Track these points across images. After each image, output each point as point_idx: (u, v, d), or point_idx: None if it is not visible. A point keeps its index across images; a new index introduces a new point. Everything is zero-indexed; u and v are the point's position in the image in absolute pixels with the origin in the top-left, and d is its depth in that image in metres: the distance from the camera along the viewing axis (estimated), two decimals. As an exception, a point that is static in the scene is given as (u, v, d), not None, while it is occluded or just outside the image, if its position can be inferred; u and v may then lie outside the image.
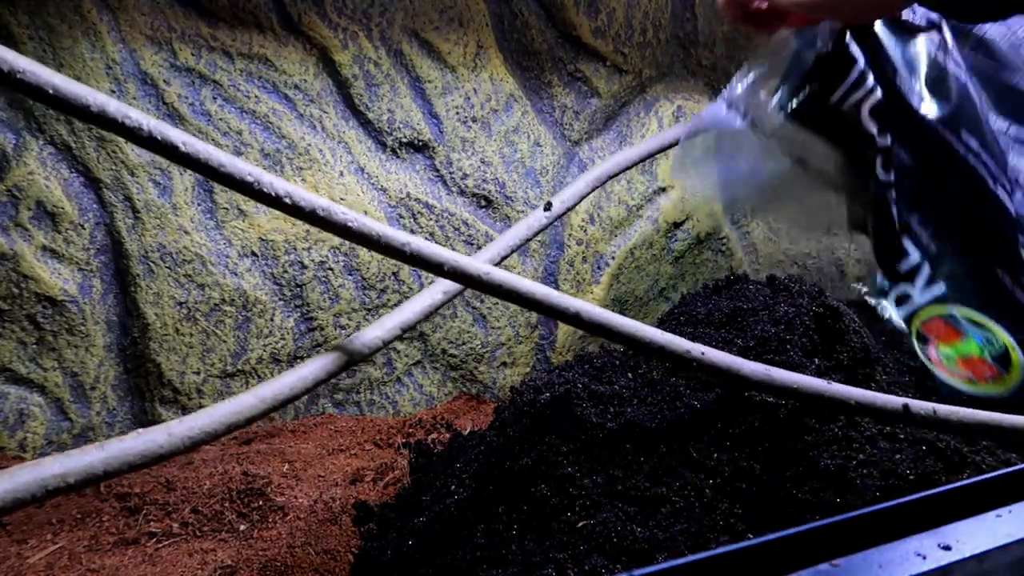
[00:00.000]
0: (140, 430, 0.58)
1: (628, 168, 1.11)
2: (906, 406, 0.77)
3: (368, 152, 1.27)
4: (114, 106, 0.55)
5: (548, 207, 0.98)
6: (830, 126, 1.05)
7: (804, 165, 1.09)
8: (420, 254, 0.68)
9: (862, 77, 1.03)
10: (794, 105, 1.05)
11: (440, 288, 0.83)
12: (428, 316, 0.81)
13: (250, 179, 0.60)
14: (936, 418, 0.78)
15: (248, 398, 0.65)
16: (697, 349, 0.75)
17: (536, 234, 0.98)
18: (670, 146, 1.16)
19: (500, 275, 0.71)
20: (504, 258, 0.93)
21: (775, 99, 1.07)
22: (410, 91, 1.30)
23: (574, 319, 0.72)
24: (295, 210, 0.63)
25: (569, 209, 1.04)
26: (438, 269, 0.69)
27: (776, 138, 1.08)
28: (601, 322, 0.73)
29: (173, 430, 0.59)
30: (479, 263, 0.71)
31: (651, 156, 1.14)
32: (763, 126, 1.08)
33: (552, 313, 0.72)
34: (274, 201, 0.62)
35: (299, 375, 0.68)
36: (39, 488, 0.51)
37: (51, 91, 0.53)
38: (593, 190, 1.07)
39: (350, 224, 0.65)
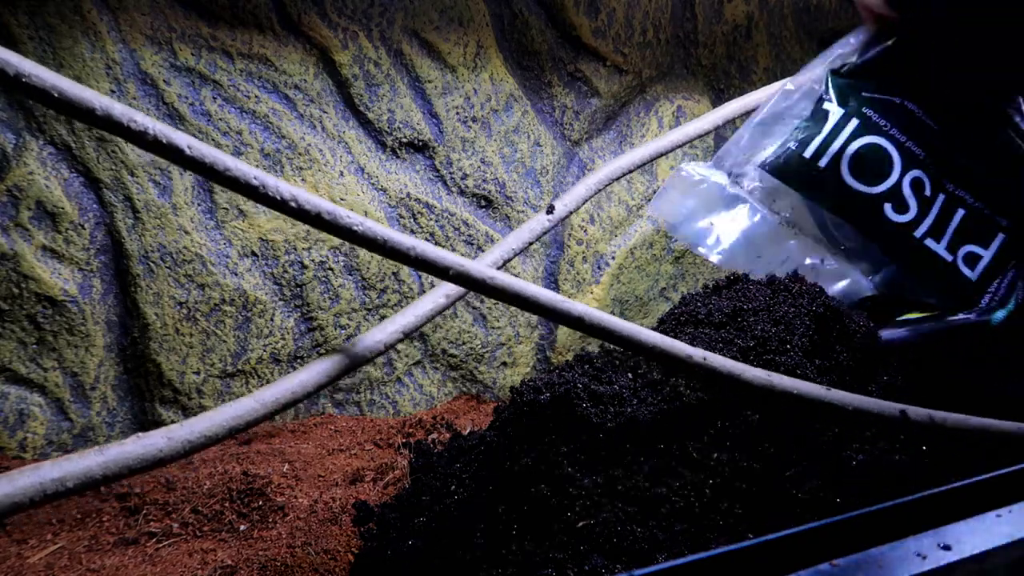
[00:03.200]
0: (140, 434, 0.58)
1: (630, 172, 1.11)
2: (904, 412, 0.77)
3: (368, 152, 1.27)
4: (119, 109, 0.55)
5: (551, 210, 0.98)
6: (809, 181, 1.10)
7: (788, 221, 1.12)
8: (426, 258, 0.68)
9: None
10: (772, 160, 1.10)
11: (443, 292, 0.83)
12: (431, 319, 0.81)
13: (255, 182, 0.60)
14: (933, 424, 0.78)
15: (249, 402, 0.64)
16: (699, 354, 0.76)
17: (539, 237, 0.98)
18: (671, 149, 1.16)
19: (505, 279, 0.71)
20: (507, 261, 0.93)
21: (762, 157, 1.12)
22: (410, 91, 1.30)
23: (578, 323, 0.73)
24: (300, 213, 0.63)
25: (571, 212, 1.04)
26: (443, 273, 0.69)
27: (757, 194, 1.12)
28: (603, 326, 0.74)
29: (173, 434, 0.59)
30: (484, 267, 0.71)
31: (652, 160, 1.14)
32: (743, 183, 1.12)
33: (556, 317, 0.73)
34: (279, 204, 0.62)
35: (300, 379, 0.68)
36: (37, 492, 0.51)
37: (56, 95, 0.53)
38: (595, 194, 1.07)
39: (355, 228, 0.65)
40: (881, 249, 1.09)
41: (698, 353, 0.75)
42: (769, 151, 1.12)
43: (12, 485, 0.50)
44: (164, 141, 0.56)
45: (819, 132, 1.09)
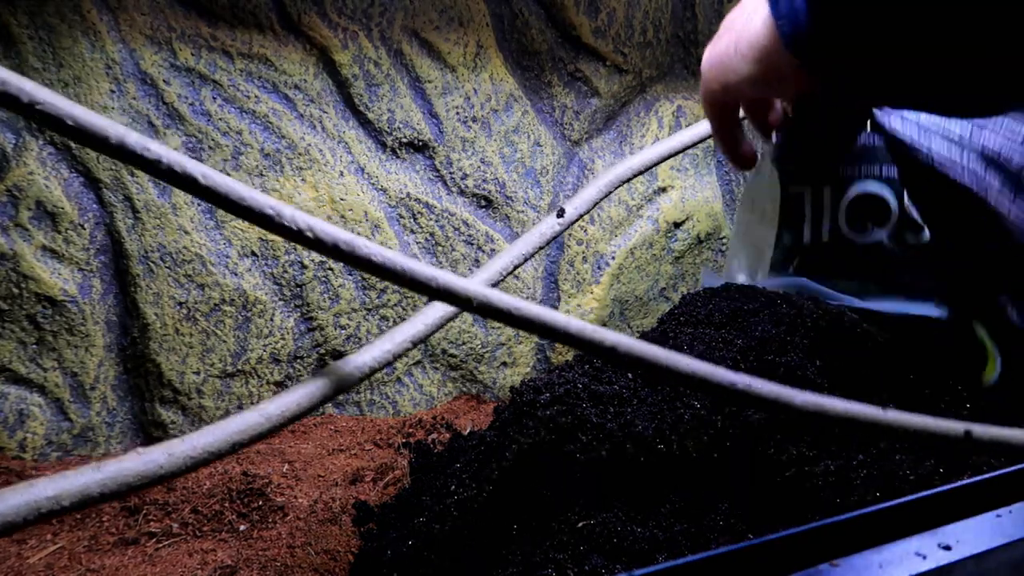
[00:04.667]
0: (140, 449, 0.57)
1: (641, 172, 1.10)
2: (968, 432, 0.74)
3: (368, 152, 1.27)
4: (134, 138, 0.54)
5: (561, 213, 0.97)
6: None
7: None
8: (449, 288, 0.66)
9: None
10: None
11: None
12: (440, 327, 0.80)
13: (270, 212, 0.59)
14: (1000, 443, 0.76)
15: (253, 415, 0.63)
16: (743, 381, 0.71)
17: (549, 241, 0.96)
18: (682, 150, 1.15)
19: (531, 309, 0.68)
20: (517, 267, 0.92)
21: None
22: (410, 91, 1.30)
23: (610, 353, 0.70)
24: (317, 244, 0.61)
25: (582, 215, 1.02)
26: (467, 304, 0.67)
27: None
28: (638, 355, 0.70)
29: (174, 450, 0.58)
30: (508, 297, 0.67)
31: (663, 160, 1.13)
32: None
33: (586, 347, 0.69)
34: (295, 235, 0.60)
35: (306, 391, 0.67)
36: (31, 511, 0.50)
37: (71, 123, 0.53)
38: (606, 196, 1.06)
39: (374, 259, 0.63)
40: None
41: (742, 380, 0.72)
42: (772, 253, 1.11)
43: (4, 504, 0.48)
44: (178, 170, 0.56)
45: (803, 213, 1.06)
